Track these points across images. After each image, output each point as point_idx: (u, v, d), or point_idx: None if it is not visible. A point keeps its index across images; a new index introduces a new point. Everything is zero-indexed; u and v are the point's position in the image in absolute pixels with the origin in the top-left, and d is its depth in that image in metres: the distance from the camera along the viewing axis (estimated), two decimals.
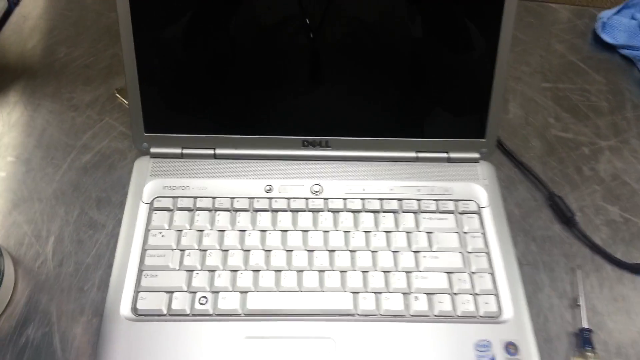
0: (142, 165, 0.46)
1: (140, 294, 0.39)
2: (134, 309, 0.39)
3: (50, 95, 0.54)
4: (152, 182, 0.45)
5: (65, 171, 0.48)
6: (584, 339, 0.40)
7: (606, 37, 0.62)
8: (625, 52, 0.61)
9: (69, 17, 0.61)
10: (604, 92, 0.58)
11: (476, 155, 0.47)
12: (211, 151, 0.46)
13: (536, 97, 0.57)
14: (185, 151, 0.46)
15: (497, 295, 0.41)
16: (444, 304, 0.40)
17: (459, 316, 0.40)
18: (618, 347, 0.41)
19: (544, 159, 0.52)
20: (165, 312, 0.39)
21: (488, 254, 0.43)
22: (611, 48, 0.62)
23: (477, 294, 0.41)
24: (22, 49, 0.58)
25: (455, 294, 0.41)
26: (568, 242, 0.46)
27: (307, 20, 0.42)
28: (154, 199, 0.44)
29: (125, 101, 0.53)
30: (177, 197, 0.44)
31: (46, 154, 0.50)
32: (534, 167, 0.51)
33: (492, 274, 0.42)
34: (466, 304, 0.40)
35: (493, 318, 0.40)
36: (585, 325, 0.41)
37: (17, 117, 0.52)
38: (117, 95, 0.54)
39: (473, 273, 0.42)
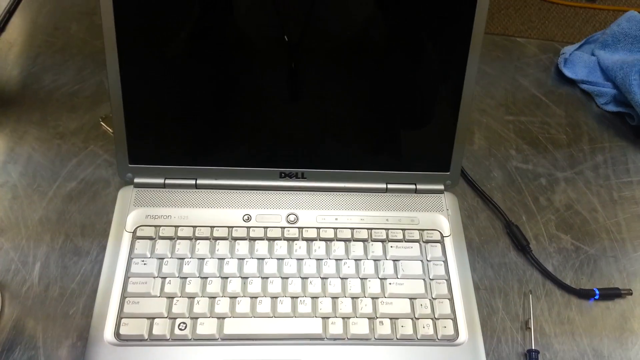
0: (125, 194, 0.48)
1: (123, 320, 0.42)
2: (117, 334, 0.41)
3: (36, 122, 0.56)
4: (135, 211, 0.47)
5: (51, 198, 0.50)
6: (531, 359, 0.44)
7: (567, 72, 0.66)
8: (584, 86, 0.66)
9: (54, 44, 0.62)
10: (563, 125, 0.62)
11: (441, 187, 0.51)
12: (192, 181, 0.48)
13: (499, 130, 0.61)
14: (168, 181, 0.48)
15: (454, 319, 0.44)
16: (406, 328, 0.43)
17: (419, 339, 0.43)
18: None
19: (504, 189, 0.56)
20: (146, 337, 0.41)
21: (448, 280, 0.46)
22: (572, 82, 0.66)
23: (436, 319, 0.44)
24: (7, 77, 0.59)
25: (417, 318, 0.44)
26: (522, 268, 0.50)
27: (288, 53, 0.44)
28: (136, 227, 0.46)
29: (110, 129, 0.55)
30: (159, 226, 0.46)
31: (32, 181, 0.51)
32: (495, 196, 0.55)
33: (450, 299, 0.45)
34: (426, 328, 0.43)
35: (450, 341, 0.43)
36: (533, 346, 0.45)
37: (3, 144, 0.54)
38: (102, 123, 0.56)
39: (434, 299, 0.45)
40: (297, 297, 0.44)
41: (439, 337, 0.43)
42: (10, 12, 0.64)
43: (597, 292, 0.49)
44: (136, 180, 0.48)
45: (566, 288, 0.49)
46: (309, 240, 0.47)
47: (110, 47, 0.43)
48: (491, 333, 0.46)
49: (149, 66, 0.44)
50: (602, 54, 0.66)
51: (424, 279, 0.46)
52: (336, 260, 0.46)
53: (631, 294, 0.49)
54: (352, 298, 0.44)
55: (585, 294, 0.49)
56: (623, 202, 0.56)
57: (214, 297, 0.43)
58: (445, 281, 0.46)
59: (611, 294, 0.49)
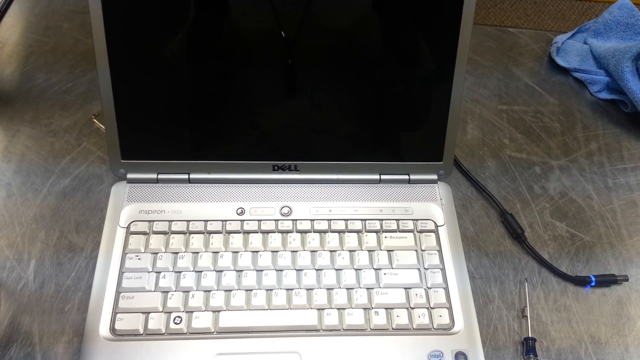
0: (119, 190, 0.48)
1: (118, 315, 0.42)
2: (113, 329, 0.41)
3: (29, 121, 0.56)
4: (128, 206, 0.47)
5: (45, 196, 0.50)
6: (527, 347, 0.44)
7: (560, 61, 0.66)
8: (577, 75, 0.66)
9: (47, 43, 0.62)
10: (557, 114, 0.62)
11: (434, 176, 0.51)
12: (186, 176, 0.49)
13: (493, 119, 0.61)
14: (161, 176, 0.48)
15: (449, 308, 0.44)
16: (401, 318, 0.43)
17: (414, 329, 0.43)
18: (559, 353, 0.45)
19: (498, 178, 0.56)
20: (141, 331, 0.41)
21: (443, 269, 0.46)
22: (565, 71, 0.66)
23: (432, 308, 0.44)
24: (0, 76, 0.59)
25: (412, 308, 0.44)
26: (517, 257, 0.50)
27: (283, 43, 0.45)
28: (130, 223, 0.46)
29: (103, 126, 0.55)
30: (153, 221, 0.46)
31: (26, 179, 0.51)
32: (488, 185, 0.55)
33: (445, 288, 0.45)
34: (422, 317, 0.43)
35: (445, 330, 0.43)
36: (530, 334, 0.45)
37: None
38: (95, 120, 0.56)
39: (429, 288, 0.45)
40: (292, 289, 0.44)
41: (434, 327, 0.43)
42: (2, 11, 0.65)
43: (593, 278, 0.49)
44: (129, 175, 0.48)
45: (562, 275, 0.49)
46: (303, 232, 0.47)
47: (99, 42, 0.43)
48: (487, 322, 0.46)
49: (140, 62, 0.44)
50: (594, 42, 0.66)
51: (418, 269, 0.46)
52: (330, 251, 0.46)
53: (627, 280, 0.49)
54: (347, 289, 0.44)
55: (581, 281, 0.49)
56: (617, 188, 0.56)
57: (209, 291, 0.43)
58: (440, 270, 0.46)
59: (607, 281, 0.49)
